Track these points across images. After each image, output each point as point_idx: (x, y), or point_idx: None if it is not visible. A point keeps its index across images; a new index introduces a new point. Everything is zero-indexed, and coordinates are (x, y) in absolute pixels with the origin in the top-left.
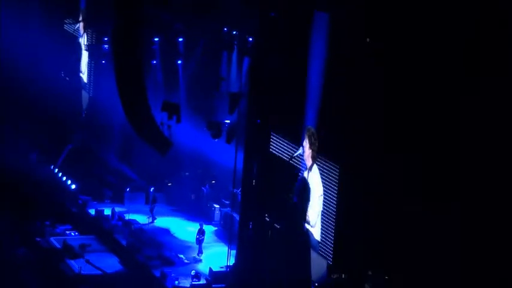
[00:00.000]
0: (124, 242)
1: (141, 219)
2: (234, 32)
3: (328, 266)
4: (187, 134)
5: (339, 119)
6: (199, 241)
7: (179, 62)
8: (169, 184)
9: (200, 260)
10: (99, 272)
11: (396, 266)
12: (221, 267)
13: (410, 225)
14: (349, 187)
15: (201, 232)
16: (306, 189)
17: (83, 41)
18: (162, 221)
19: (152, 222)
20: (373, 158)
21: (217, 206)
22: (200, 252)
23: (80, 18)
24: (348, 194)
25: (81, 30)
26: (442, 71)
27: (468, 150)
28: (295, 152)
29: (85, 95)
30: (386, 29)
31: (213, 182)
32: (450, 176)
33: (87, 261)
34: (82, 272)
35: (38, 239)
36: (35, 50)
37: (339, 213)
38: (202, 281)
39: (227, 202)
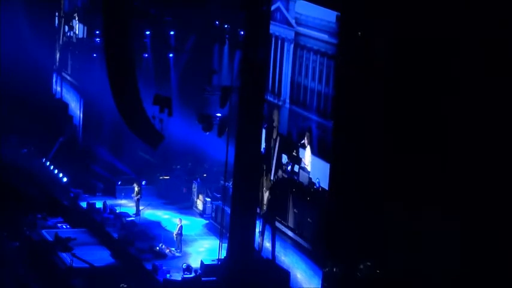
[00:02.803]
0: (115, 235)
1: (132, 212)
2: (226, 26)
3: None
4: (178, 127)
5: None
6: (179, 236)
7: (170, 55)
8: (167, 177)
9: (179, 256)
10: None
11: (388, 259)
12: (212, 260)
13: (401, 218)
14: (341, 181)
15: (179, 228)
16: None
17: (74, 34)
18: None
19: (138, 215)
20: (366, 154)
21: (209, 199)
22: (179, 248)
23: (74, 13)
24: (340, 187)
25: (73, 24)
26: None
27: (458, 146)
28: None
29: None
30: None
31: (205, 175)
32: (441, 167)
33: (73, 255)
34: (74, 264)
35: (29, 231)
36: (24, 44)
37: (330, 205)
38: None
39: (218, 195)
